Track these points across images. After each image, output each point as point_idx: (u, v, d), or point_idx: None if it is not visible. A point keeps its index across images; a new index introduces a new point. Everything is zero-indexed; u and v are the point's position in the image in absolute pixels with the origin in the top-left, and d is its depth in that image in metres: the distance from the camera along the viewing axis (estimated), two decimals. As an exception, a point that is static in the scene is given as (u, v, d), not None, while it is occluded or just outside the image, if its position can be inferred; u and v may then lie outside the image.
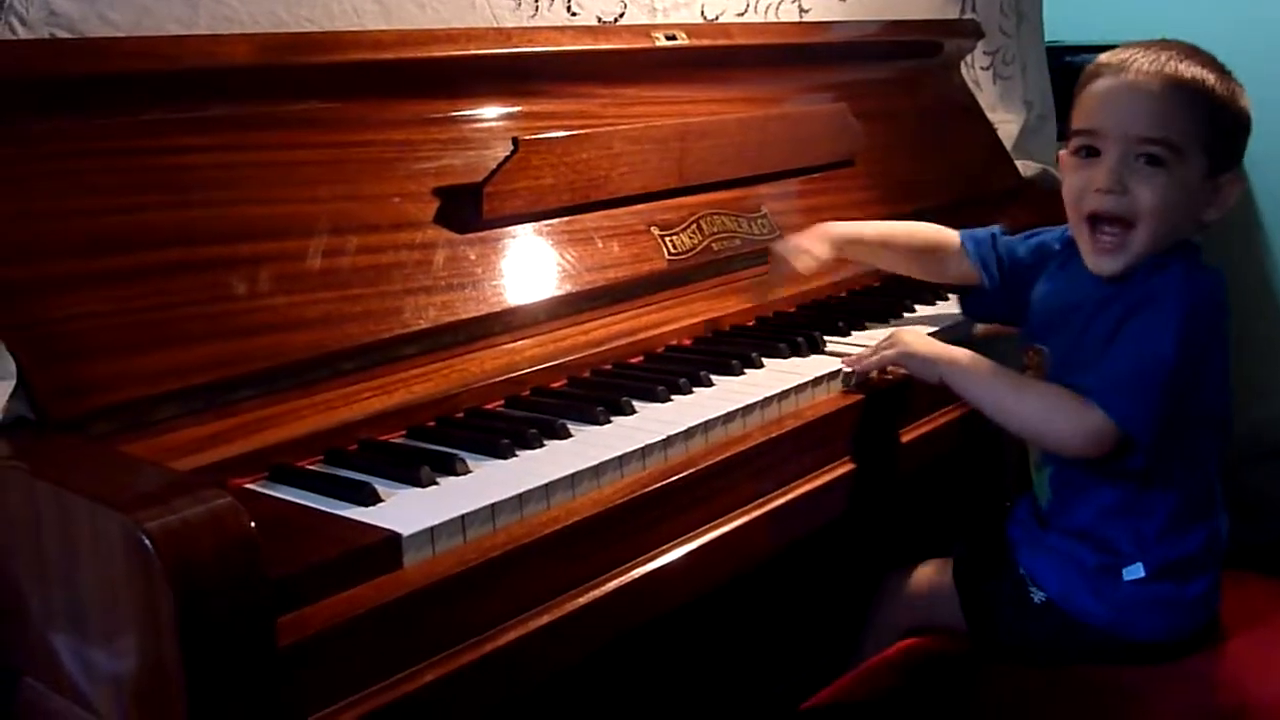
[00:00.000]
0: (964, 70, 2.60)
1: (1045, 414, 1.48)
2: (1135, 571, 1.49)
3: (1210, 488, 1.53)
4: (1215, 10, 3.11)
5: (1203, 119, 1.47)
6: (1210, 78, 1.49)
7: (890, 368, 1.61)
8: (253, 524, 0.95)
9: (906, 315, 1.87)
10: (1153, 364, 1.41)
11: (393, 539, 1.08)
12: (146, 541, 0.91)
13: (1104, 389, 1.43)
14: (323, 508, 1.16)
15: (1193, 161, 1.48)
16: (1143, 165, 1.48)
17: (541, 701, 1.47)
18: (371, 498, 1.16)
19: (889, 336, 1.61)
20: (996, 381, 1.53)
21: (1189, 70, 1.49)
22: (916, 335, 1.62)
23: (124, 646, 0.97)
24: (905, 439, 1.64)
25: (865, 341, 1.69)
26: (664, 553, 1.29)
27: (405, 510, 1.14)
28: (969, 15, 2.66)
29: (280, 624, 0.98)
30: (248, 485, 1.22)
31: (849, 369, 1.60)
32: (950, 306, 1.91)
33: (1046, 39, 2.88)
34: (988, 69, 2.73)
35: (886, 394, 1.60)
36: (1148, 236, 1.48)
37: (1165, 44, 1.52)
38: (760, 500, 1.42)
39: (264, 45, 1.43)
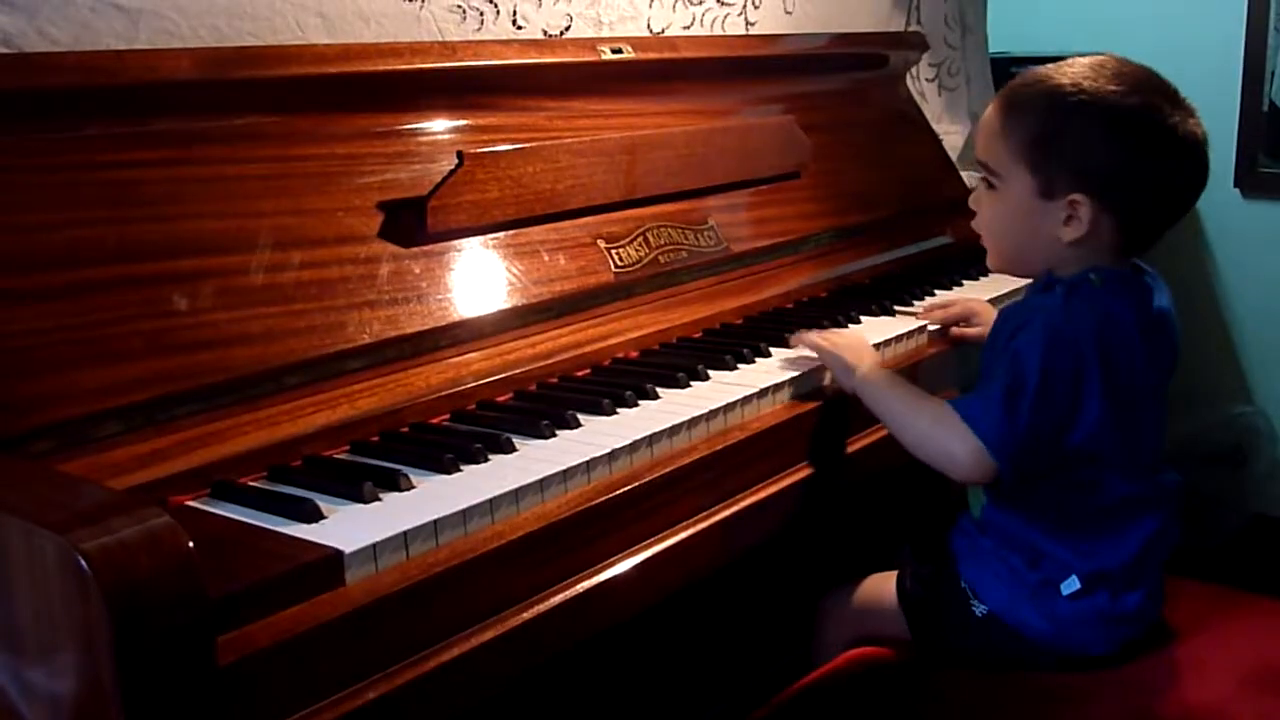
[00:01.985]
0: (909, 82, 2.61)
1: (932, 444, 1.50)
2: (1071, 585, 1.51)
3: (1136, 493, 1.54)
4: (1159, 22, 3.15)
5: (1027, 141, 1.50)
6: (1052, 98, 1.49)
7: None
8: (191, 543, 0.94)
9: (852, 326, 1.87)
10: (1018, 388, 1.44)
11: (334, 556, 1.08)
12: (83, 562, 0.90)
13: (977, 414, 1.46)
14: (264, 525, 1.15)
15: (1016, 183, 1.51)
16: (983, 188, 1.56)
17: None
18: (314, 514, 1.16)
19: (841, 335, 1.64)
20: (895, 405, 1.55)
21: (1031, 90, 1.52)
22: (854, 343, 1.63)
23: (61, 667, 0.96)
24: (851, 450, 1.65)
25: (810, 352, 1.69)
26: (608, 566, 1.29)
27: (348, 527, 1.14)
28: (914, 28, 2.68)
29: (220, 643, 0.97)
30: (189, 503, 1.21)
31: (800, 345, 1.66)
32: (894, 319, 1.93)
33: (991, 50, 2.91)
34: (933, 80, 2.76)
35: (831, 406, 1.61)
36: (993, 252, 1.60)
37: (1071, 61, 1.53)
38: (705, 513, 1.42)
39: (205, 59, 1.42)
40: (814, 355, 1.65)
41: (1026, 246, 1.54)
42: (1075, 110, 1.48)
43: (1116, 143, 1.47)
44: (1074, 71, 1.51)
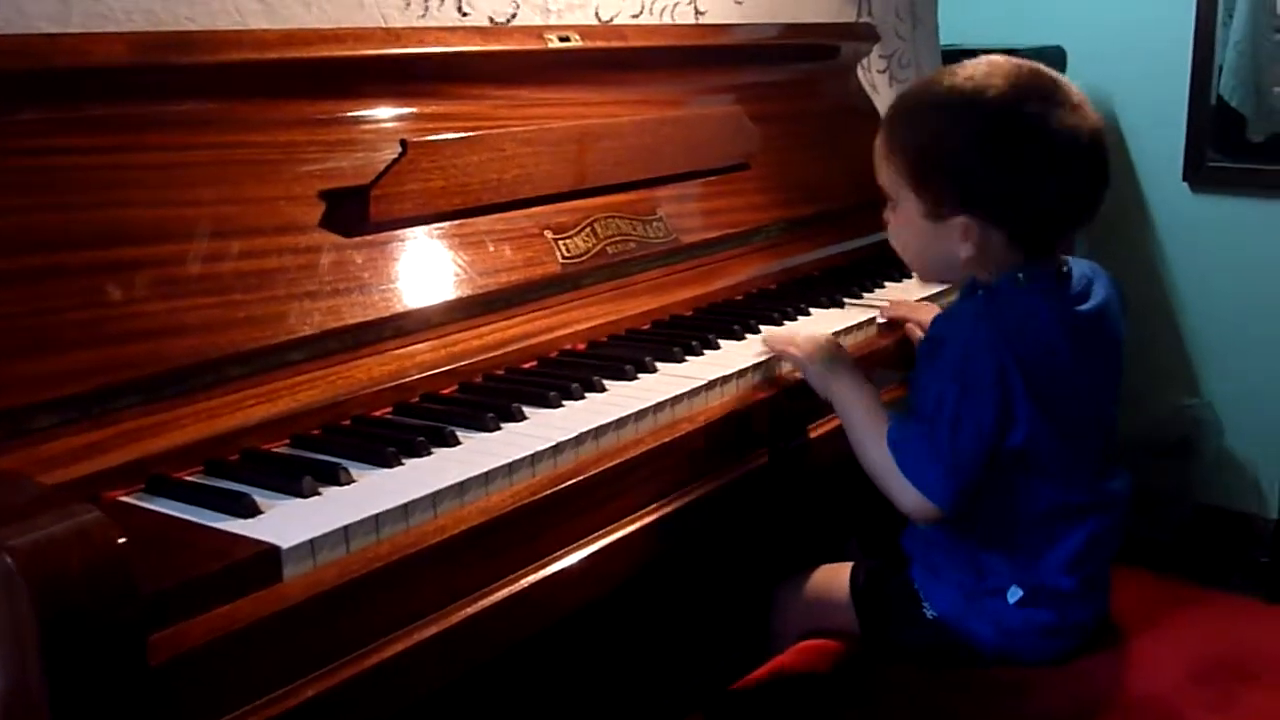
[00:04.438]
0: (860, 73, 2.61)
1: (883, 480, 1.50)
2: (1016, 593, 1.51)
3: (1072, 501, 1.52)
4: (1107, 14, 3.16)
5: (909, 161, 1.49)
6: (927, 114, 1.49)
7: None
8: (122, 540, 0.93)
9: (801, 318, 1.87)
10: (938, 417, 1.44)
11: (271, 552, 1.06)
12: (9, 560, 0.88)
13: (909, 459, 1.46)
14: (200, 520, 1.13)
15: (906, 205, 1.52)
16: (889, 207, 1.57)
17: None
18: (251, 509, 1.14)
19: (808, 336, 1.63)
20: (857, 426, 1.54)
21: (909, 105, 1.53)
22: (825, 346, 1.62)
23: (-12, 667, 0.94)
24: (801, 442, 1.64)
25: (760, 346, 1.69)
26: (554, 560, 1.29)
27: (285, 522, 1.12)
28: (865, 19, 2.68)
29: (153, 641, 0.96)
30: (123, 498, 1.19)
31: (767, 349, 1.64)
32: (844, 310, 1.93)
33: (942, 42, 2.91)
34: (884, 72, 2.76)
35: (780, 399, 1.60)
36: (910, 266, 1.62)
37: (950, 70, 1.52)
38: (653, 507, 1.42)
39: (141, 44, 1.40)
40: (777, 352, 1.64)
41: (935, 263, 1.56)
42: (949, 125, 1.47)
43: (992, 157, 1.45)
44: (950, 82, 1.49)
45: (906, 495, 1.46)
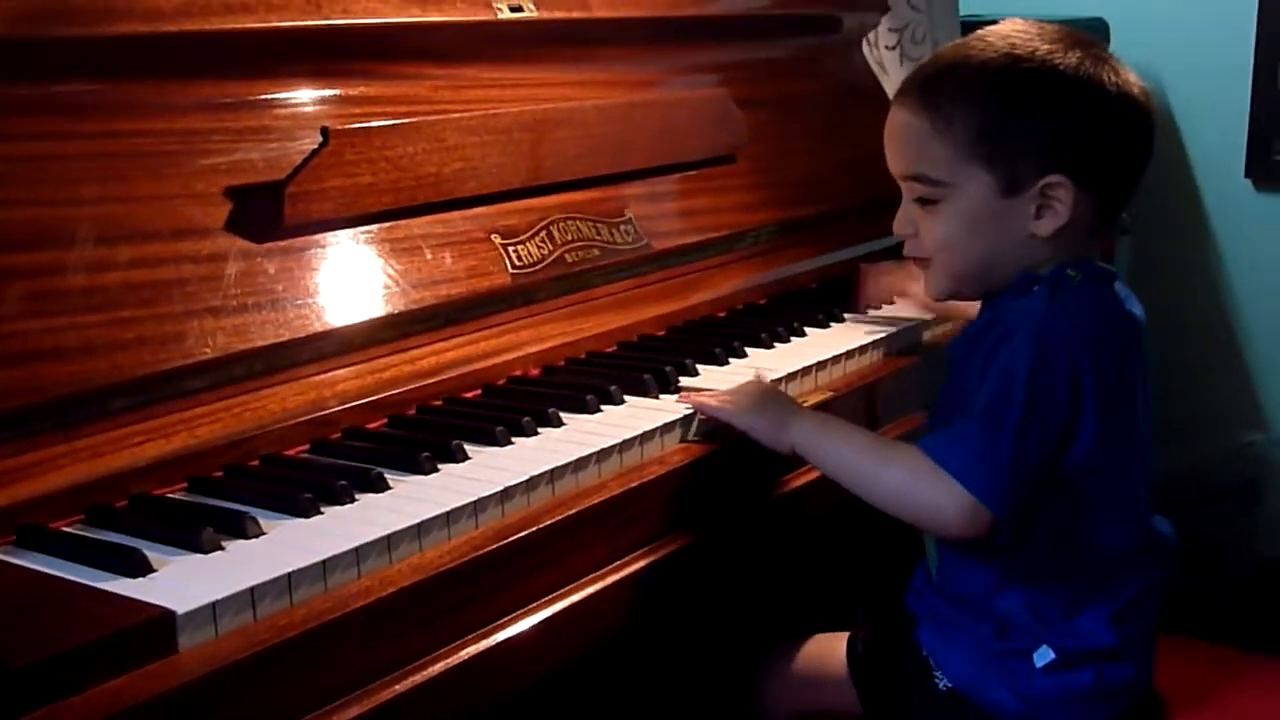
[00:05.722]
0: (866, 50, 2.64)
1: (910, 500, 1.48)
2: (1045, 655, 1.51)
3: (1125, 546, 1.54)
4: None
5: (973, 134, 1.51)
6: (988, 77, 1.51)
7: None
8: (-13, 603, 0.93)
9: (795, 340, 1.89)
10: (999, 413, 1.43)
11: (165, 617, 1.07)
12: None
13: (952, 456, 1.44)
14: (80, 579, 1.14)
15: (970, 186, 1.52)
16: (919, 205, 1.57)
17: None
18: (141, 567, 1.15)
19: (737, 389, 1.62)
20: (856, 453, 1.53)
21: (953, 76, 1.54)
22: (761, 396, 1.61)
23: None
24: (793, 487, 1.65)
25: (745, 370, 1.70)
26: (501, 628, 1.29)
27: (182, 582, 1.13)
28: (872, -14, 2.70)
29: (23, 725, 0.96)
30: (-12, 552, 1.20)
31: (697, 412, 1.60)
32: (845, 329, 1.94)
33: (962, 13, 2.93)
34: (893, 48, 2.78)
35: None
36: (945, 273, 1.60)
37: (977, 35, 1.55)
38: (619, 563, 1.43)
39: (15, 13, 1.40)
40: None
41: (994, 257, 1.55)
42: (1022, 83, 1.50)
43: (1077, 106, 1.50)
44: (994, 44, 1.52)
45: (952, 503, 1.43)
